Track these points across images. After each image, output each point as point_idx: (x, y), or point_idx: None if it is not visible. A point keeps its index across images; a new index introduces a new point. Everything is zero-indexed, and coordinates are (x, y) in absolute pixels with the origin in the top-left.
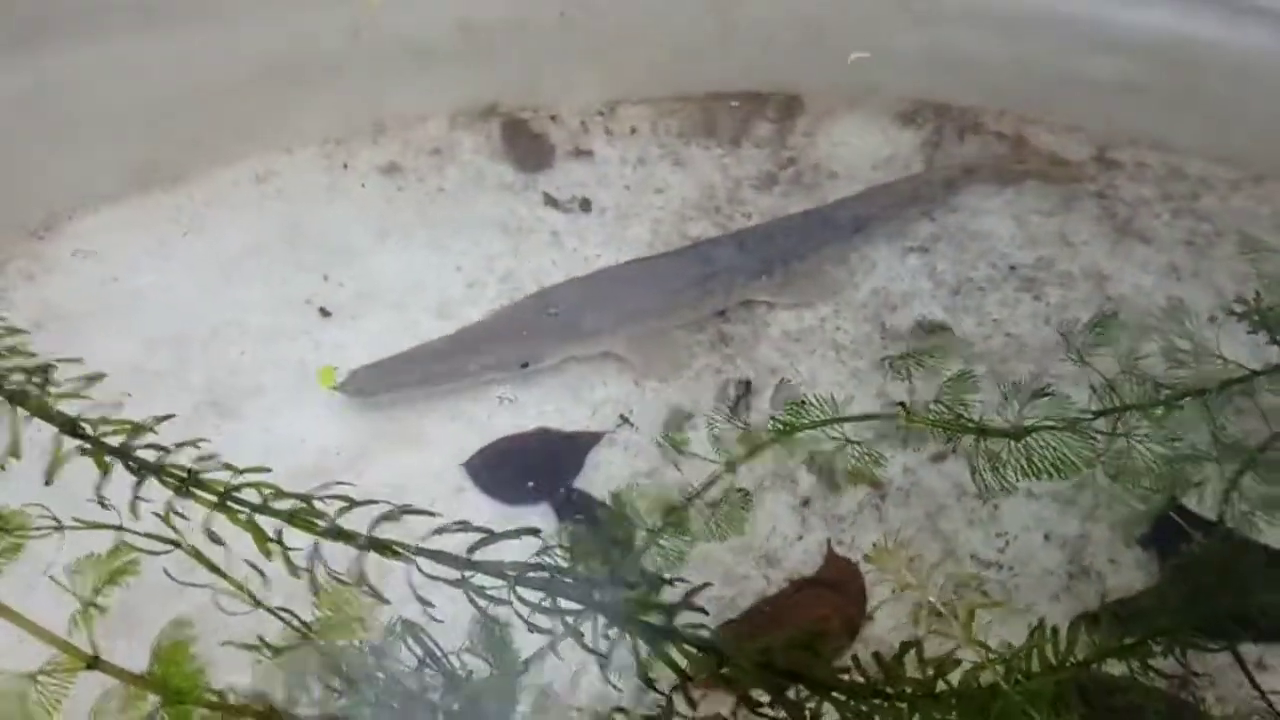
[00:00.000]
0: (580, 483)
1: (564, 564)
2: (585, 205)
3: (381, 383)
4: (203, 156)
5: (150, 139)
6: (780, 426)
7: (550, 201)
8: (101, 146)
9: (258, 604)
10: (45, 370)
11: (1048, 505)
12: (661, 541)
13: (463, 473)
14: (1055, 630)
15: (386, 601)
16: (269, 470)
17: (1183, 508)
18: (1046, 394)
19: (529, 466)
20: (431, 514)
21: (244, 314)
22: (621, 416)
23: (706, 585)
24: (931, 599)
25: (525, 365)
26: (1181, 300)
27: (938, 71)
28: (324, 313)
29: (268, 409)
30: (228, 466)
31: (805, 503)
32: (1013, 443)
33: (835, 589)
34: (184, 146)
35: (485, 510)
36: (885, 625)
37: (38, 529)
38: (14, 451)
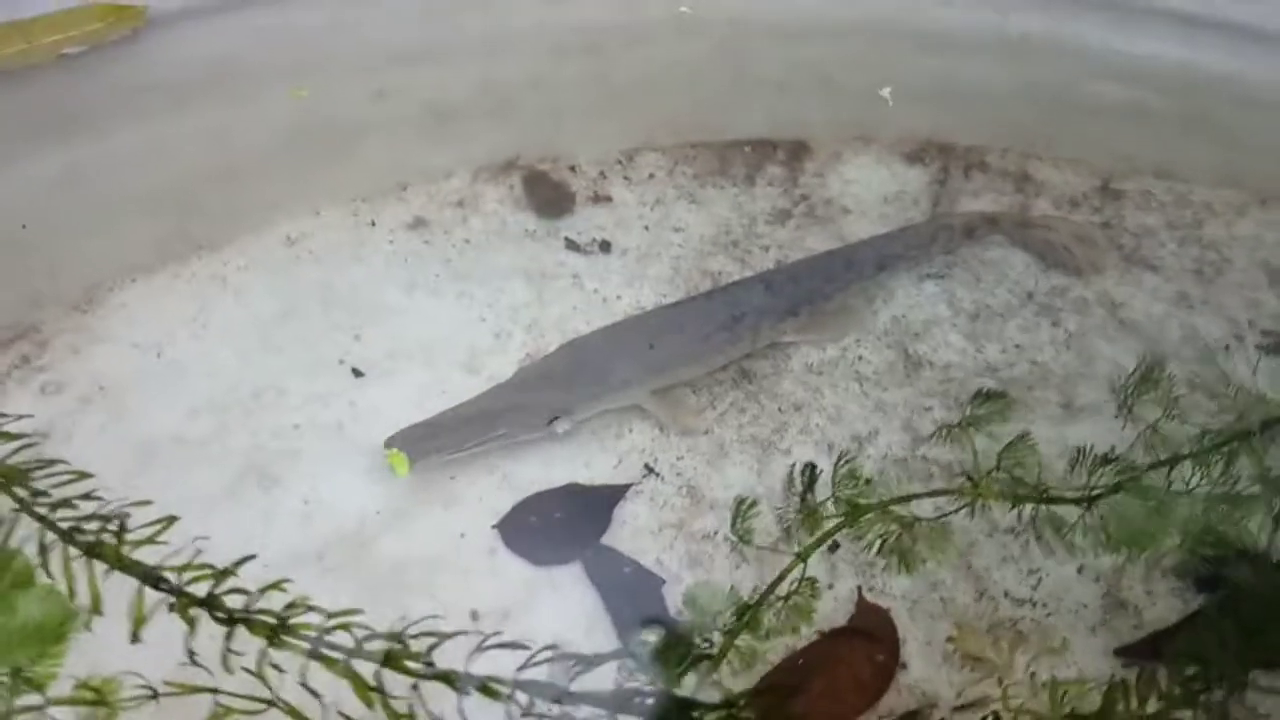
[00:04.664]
0: (608, 538)
1: (647, 680)
2: (605, 247)
3: (423, 452)
4: (234, 224)
5: (182, 211)
6: (847, 508)
7: (572, 245)
8: (136, 221)
9: None
10: (119, 519)
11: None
12: (738, 643)
13: (494, 534)
14: (1126, 685)
15: None
16: (361, 612)
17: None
18: (1111, 459)
19: (557, 525)
20: (524, 647)
21: (281, 378)
22: (647, 466)
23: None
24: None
25: (555, 421)
26: (1196, 330)
27: (942, 112)
28: (357, 373)
29: (307, 474)
30: (314, 608)
31: (832, 548)
32: (1086, 513)
33: (868, 637)
34: (215, 216)
35: (517, 571)
36: (919, 672)
37: (132, 699)
38: (95, 608)
